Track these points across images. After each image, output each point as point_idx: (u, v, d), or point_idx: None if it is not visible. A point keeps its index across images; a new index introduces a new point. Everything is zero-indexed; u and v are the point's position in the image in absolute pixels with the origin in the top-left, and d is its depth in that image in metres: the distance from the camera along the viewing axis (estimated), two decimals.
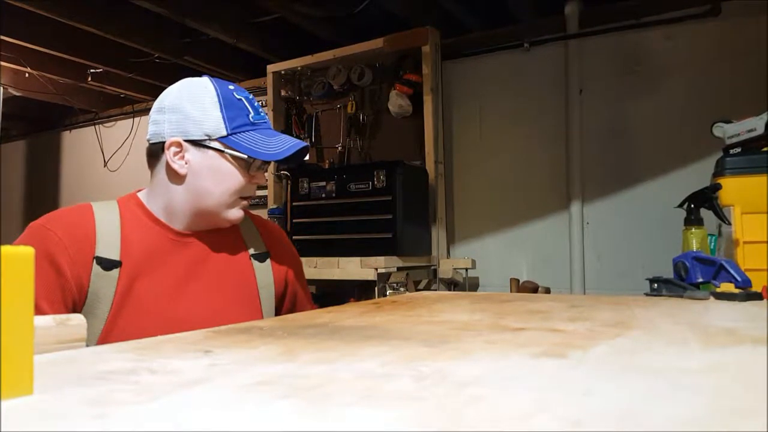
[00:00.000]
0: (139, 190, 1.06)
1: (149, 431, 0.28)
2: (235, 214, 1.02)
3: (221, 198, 0.99)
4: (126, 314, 0.93)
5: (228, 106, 0.98)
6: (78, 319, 0.48)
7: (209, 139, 0.97)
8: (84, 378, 0.39)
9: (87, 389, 0.35)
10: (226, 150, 0.97)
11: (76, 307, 0.92)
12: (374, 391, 0.35)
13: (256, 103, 1.03)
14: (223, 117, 0.97)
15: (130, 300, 0.93)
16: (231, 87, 1.01)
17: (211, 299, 1.00)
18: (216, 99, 0.98)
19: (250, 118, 0.99)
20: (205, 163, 0.98)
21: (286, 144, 0.99)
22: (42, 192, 5.20)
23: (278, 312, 1.12)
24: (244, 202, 1.03)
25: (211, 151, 0.98)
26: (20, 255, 0.32)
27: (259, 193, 3.66)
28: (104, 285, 0.92)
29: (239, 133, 0.97)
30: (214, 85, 0.99)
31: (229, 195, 1.00)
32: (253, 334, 0.57)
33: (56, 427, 0.28)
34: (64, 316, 0.48)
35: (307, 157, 1.07)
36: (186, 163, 0.98)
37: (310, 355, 0.46)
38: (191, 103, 0.98)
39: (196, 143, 0.98)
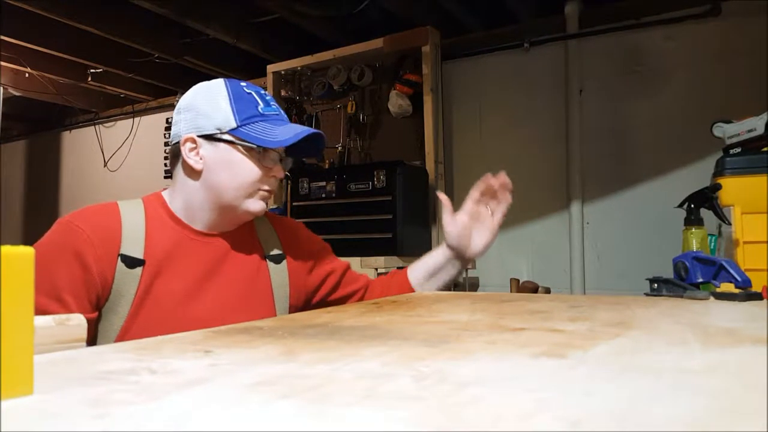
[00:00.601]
0: (164, 189, 1.07)
1: (149, 431, 0.28)
2: (255, 205, 1.02)
3: (238, 191, 1.00)
4: (145, 313, 0.94)
5: (237, 99, 1.00)
6: (78, 319, 0.48)
7: (221, 133, 0.99)
8: (84, 378, 0.39)
9: (87, 389, 0.35)
10: (237, 141, 0.98)
11: (99, 303, 0.93)
12: (374, 391, 0.35)
13: (267, 97, 1.04)
14: (233, 110, 0.99)
15: (150, 299, 0.94)
16: (243, 84, 1.03)
17: (227, 300, 1.01)
18: (226, 94, 1.00)
19: (260, 110, 1.00)
20: (218, 157, 0.99)
21: (294, 131, 0.99)
22: (42, 192, 5.20)
23: (320, 302, 1.14)
24: (264, 193, 1.02)
25: (223, 144, 0.99)
26: (20, 255, 0.32)
27: None
28: (127, 283, 0.93)
29: (249, 124, 0.98)
30: (225, 82, 1.02)
31: (244, 188, 1.00)
32: (253, 335, 0.57)
33: (56, 427, 0.28)
34: (63, 316, 0.48)
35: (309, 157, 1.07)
36: (201, 159, 1.00)
37: (311, 355, 0.46)
38: (203, 101, 1.01)
39: (209, 138, 0.99)
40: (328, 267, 1.17)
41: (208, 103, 1.00)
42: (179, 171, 1.03)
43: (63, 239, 0.92)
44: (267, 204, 1.04)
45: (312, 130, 1.01)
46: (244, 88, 1.02)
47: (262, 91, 1.04)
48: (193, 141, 1.00)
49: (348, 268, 1.21)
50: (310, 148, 1.05)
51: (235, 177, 0.99)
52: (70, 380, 0.38)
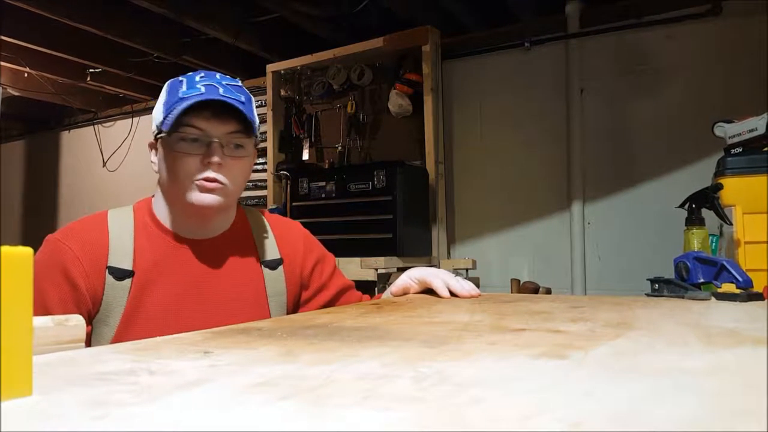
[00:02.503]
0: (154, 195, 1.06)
1: None
2: (196, 197, 0.94)
3: (176, 185, 0.96)
4: (135, 323, 0.93)
5: (169, 92, 0.97)
6: (76, 320, 0.48)
7: (157, 130, 0.97)
8: (83, 379, 0.39)
9: (86, 390, 0.35)
10: (161, 134, 0.96)
11: (90, 319, 0.92)
12: (374, 392, 0.34)
13: (198, 78, 0.96)
14: (164, 104, 0.96)
15: (140, 309, 0.94)
16: (184, 75, 0.99)
17: (218, 308, 0.98)
18: (165, 90, 0.99)
19: (180, 94, 0.94)
20: (161, 155, 0.98)
21: (186, 106, 0.92)
22: (41, 192, 5.20)
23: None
24: (204, 183, 0.94)
25: (160, 142, 0.98)
26: (19, 255, 0.32)
27: (259, 193, 3.66)
28: (116, 294, 0.93)
29: (170, 113, 0.93)
30: (169, 82, 1.00)
31: (179, 180, 0.95)
32: (252, 335, 0.57)
33: (56, 428, 0.28)
34: (62, 317, 0.47)
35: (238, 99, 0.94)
36: (156, 161, 1.00)
37: (310, 356, 0.46)
38: (155, 106, 1.00)
39: (156, 139, 0.99)
40: (321, 280, 1.11)
41: (155, 106, 1.00)
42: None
43: (51, 258, 0.92)
44: (218, 196, 0.95)
45: (210, 96, 0.92)
46: (179, 78, 0.98)
47: (200, 74, 0.97)
48: (152, 146, 1.01)
49: (349, 288, 1.15)
50: (241, 123, 0.96)
51: (170, 170, 0.96)
52: (70, 381, 0.38)
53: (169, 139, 0.95)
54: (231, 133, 0.95)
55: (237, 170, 0.97)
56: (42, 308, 0.88)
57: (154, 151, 1.01)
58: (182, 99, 0.93)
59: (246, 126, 0.96)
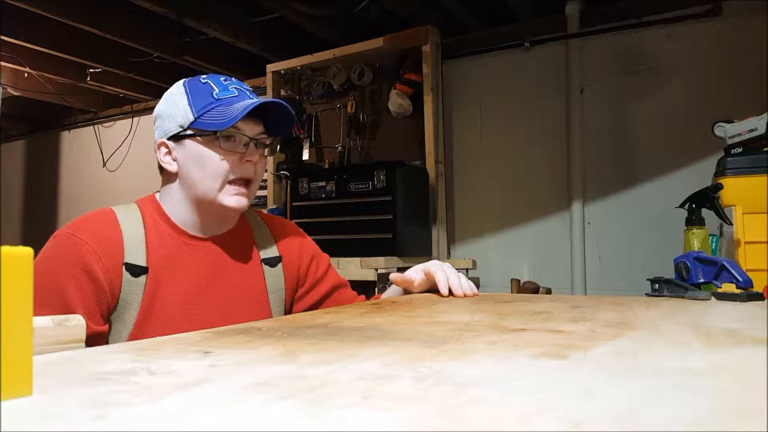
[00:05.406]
0: (158, 192, 1.06)
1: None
2: (232, 200, 0.98)
3: (211, 183, 0.97)
4: (152, 320, 0.93)
5: (193, 92, 0.99)
6: (77, 320, 0.48)
7: (183, 130, 0.98)
8: (83, 379, 0.39)
9: (86, 390, 0.35)
10: (196, 133, 0.97)
11: (108, 314, 0.92)
12: (374, 392, 0.34)
13: (225, 81, 1.01)
14: (189, 104, 0.98)
15: (155, 306, 0.94)
16: (203, 77, 1.02)
17: (225, 306, 1.00)
18: (183, 91, 1.00)
19: (214, 95, 0.98)
20: (187, 154, 0.99)
21: (244, 106, 0.95)
22: (41, 192, 5.20)
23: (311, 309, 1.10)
24: (239, 188, 0.99)
25: (188, 141, 0.98)
26: (19, 255, 0.32)
27: (259, 193, 3.66)
28: (133, 291, 0.93)
29: (205, 113, 0.96)
30: (184, 82, 1.02)
31: (216, 179, 0.97)
32: (252, 335, 0.57)
33: (56, 428, 0.28)
34: (62, 317, 0.48)
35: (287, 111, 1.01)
36: (174, 160, 1.00)
37: (310, 356, 0.46)
38: (166, 104, 1.01)
39: (176, 138, 0.99)
40: (316, 276, 1.14)
41: (169, 105, 1.00)
42: (164, 177, 1.04)
43: (68, 253, 0.90)
44: (247, 198, 1.00)
45: (265, 99, 0.97)
46: (201, 80, 1.01)
47: (222, 78, 1.02)
48: (165, 145, 1.01)
49: (343, 285, 1.17)
50: (280, 122, 1.02)
51: (205, 169, 0.97)
52: (70, 381, 0.38)
53: (202, 139, 0.97)
54: (261, 133, 1.01)
55: (261, 168, 1.03)
56: (63, 305, 0.86)
57: (165, 150, 1.01)
58: (219, 100, 0.97)
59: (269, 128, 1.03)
